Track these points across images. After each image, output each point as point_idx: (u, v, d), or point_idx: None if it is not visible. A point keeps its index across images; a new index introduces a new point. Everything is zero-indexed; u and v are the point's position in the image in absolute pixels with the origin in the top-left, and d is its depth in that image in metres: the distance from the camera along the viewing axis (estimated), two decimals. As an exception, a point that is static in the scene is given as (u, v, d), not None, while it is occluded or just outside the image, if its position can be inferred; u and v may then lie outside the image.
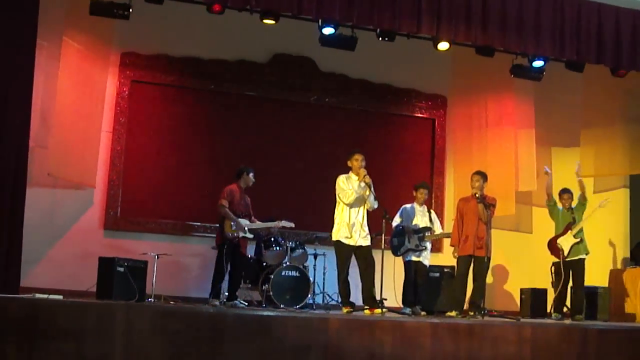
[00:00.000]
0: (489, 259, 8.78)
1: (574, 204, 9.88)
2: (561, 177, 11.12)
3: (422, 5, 8.76)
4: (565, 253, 9.75)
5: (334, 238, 8.56)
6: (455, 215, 9.39)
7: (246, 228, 9.05)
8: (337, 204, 8.62)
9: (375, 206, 8.49)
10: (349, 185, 8.52)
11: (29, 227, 8.27)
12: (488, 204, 8.76)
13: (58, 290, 8.30)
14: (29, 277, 8.39)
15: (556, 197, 10.04)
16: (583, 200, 9.88)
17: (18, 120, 7.98)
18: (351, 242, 8.44)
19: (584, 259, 9.79)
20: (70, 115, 9.74)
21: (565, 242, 9.80)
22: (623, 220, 11.74)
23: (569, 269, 9.78)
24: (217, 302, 8.68)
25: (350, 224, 8.45)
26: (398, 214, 9.39)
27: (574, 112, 11.66)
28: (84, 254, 9.64)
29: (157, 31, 10.43)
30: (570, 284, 9.83)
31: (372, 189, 8.44)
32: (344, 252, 8.48)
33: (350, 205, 8.48)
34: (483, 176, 8.99)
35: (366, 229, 8.54)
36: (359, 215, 8.49)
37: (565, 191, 10.01)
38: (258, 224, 9.28)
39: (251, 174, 9.27)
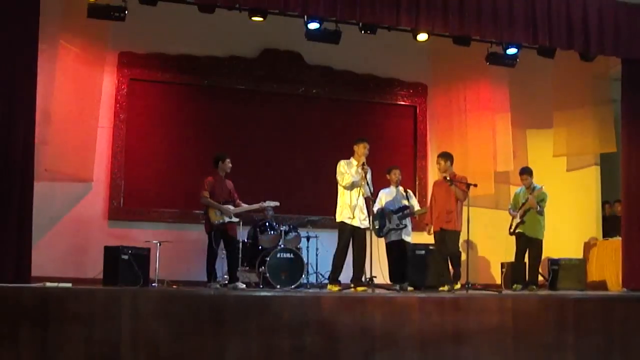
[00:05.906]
0: (458, 232, 9.10)
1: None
2: (535, 157, 11.70)
3: (401, -1, 9.01)
4: (512, 229, 10.10)
5: (337, 219, 8.89)
6: (430, 197, 9.72)
7: (231, 213, 9.37)
8: (339, 187, 8.96)
9: (369, 194, 8.82)
10: (348, 170, 8.86)
11: (37, 220, 8.42)
12: (457, 183, 9.06)
13: (66, 278, 8.48)
14: (38, 267, 8.44)
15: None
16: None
17: (25, 118, 8.14)
18: (353, 223, 8.77)
19: (539, 240, 10.04)
20: (67, 114, 10.02)
21: (516, 219, 10.12)
22: (595, 197, 12.20)
23: (526, 243, 10.09)
24: (217, 285, 8.95)
25: (352, 206, 8.77)
26: (377, 198, 9.69)
27: (547, 96, 12.03)
28: (90, 243, 9.97)
29: (152, 31, 10.67)
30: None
31: (368, 178, 8.78)
32: (346, 232, 8.83)
33: (349, 189, 8.83)
34: (447, 157, 9.31)
35: (365, 212, 8.86)
36: (359, 199, 8.80)
37: (524, 171, 10.28)
38: (243, 207, 9.51)
39: (227, 160, 9.47)
